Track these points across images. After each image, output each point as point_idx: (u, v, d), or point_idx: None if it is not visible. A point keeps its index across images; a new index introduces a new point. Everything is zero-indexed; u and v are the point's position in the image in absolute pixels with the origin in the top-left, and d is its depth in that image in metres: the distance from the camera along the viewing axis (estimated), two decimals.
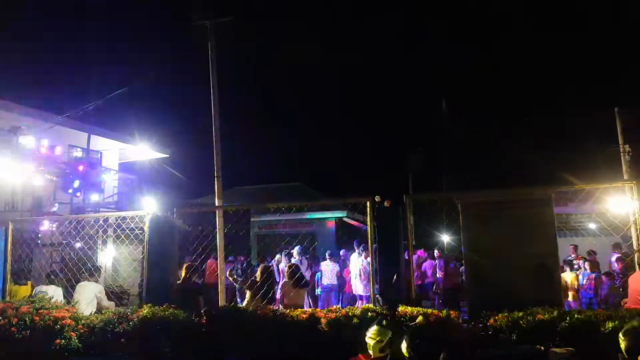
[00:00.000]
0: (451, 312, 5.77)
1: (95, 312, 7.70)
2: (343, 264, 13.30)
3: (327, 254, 13.29)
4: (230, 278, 10.03)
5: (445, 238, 26.04)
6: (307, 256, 13.82)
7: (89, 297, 7.90)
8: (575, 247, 12.88)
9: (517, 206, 6.37)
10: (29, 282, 9.58)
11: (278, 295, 9.03)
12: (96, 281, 8.34)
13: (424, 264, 14.25)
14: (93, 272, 8.34)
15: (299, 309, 6.69)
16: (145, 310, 6.58)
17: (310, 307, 12.12)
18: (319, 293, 13.03)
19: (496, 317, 5.56)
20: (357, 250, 12.39)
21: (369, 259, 11.95)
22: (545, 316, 5.40)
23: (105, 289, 8.54)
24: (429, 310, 5.90)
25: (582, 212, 13.52)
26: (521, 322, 5.40)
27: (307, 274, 12.42)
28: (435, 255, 14.01)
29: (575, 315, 5.38)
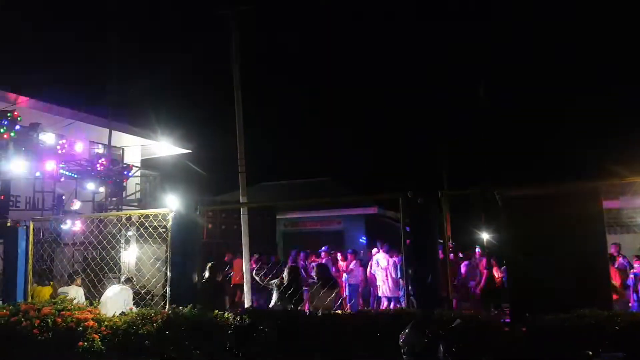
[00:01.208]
0: (492, 314, 5.69)
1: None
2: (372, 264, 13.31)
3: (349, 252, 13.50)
4: (256, 277, 10.08)
5: (485, 236, 25.67)
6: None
7: (117, 301, 8.02)
8: (618, 246, 12.47)
9: (563, 201, 6.23)
10: (52, 283, 9.83)
11: (306, 297, 9.05)
12: (132, 287, 8.46)
13: (461, 264, 14.11)
14: (130, 278, 8.45)
15: (329, 311, 6.69)
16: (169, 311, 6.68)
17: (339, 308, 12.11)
18: (346, 294, 13.09)
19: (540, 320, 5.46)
20: (381, 251, 12.42)
21: (394, 259, 12.04)
22: (593, 319, 5.28)
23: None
24: (468, 313, 5.82)
25: (635, 207, 13.13)
26: (567, 324, 5.29)
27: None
28: (477, 254, 13.90)
29: (626, 318, 5.25)
